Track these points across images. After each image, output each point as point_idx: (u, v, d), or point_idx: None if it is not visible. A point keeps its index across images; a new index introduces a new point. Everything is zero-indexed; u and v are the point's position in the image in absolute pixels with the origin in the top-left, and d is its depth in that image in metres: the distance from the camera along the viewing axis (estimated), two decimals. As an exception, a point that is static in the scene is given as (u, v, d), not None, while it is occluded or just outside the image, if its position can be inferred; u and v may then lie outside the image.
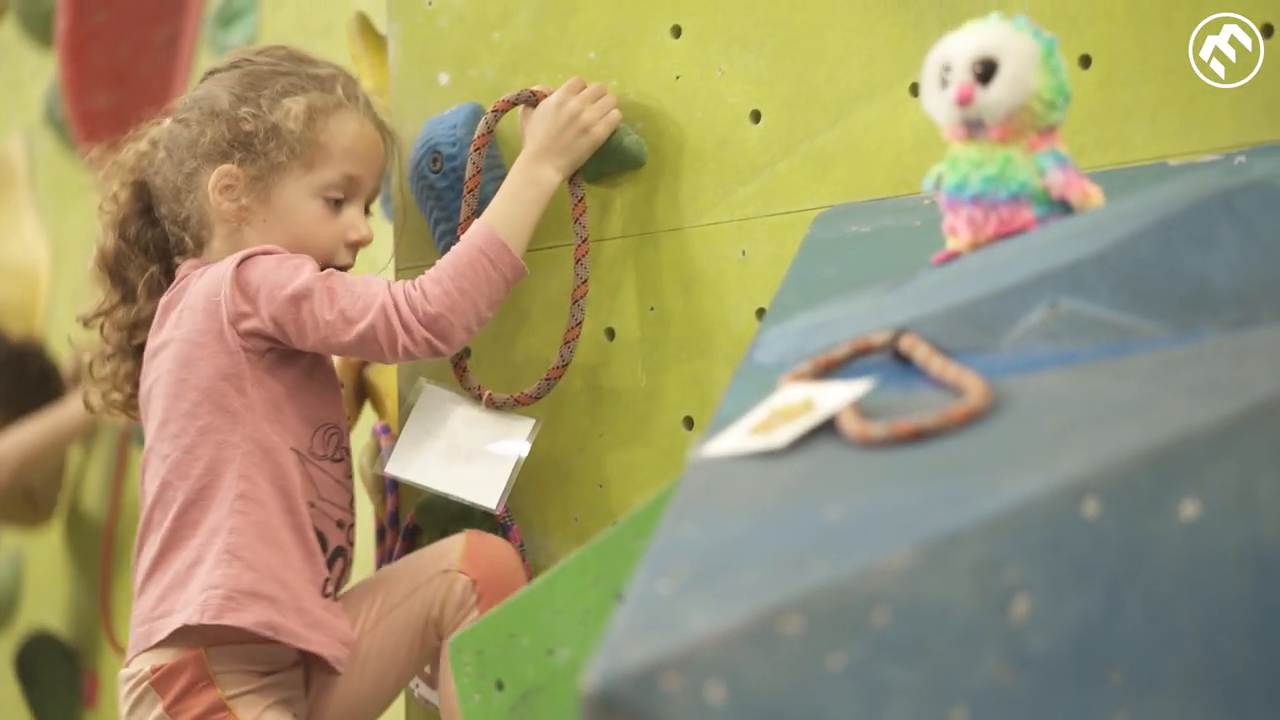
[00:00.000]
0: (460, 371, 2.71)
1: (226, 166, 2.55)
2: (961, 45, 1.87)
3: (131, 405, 2.67)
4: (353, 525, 2.64)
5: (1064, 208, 1.84)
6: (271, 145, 2.55)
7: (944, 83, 1.87)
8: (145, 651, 2.49)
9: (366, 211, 2.65)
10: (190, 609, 2.44)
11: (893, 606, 1.31)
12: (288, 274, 2.48)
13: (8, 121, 4.79)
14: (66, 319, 4.38)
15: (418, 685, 2.76)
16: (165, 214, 2.63)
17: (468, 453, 2.69)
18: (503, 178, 2.64)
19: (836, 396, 1.58)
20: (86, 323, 2.69)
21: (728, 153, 2.57)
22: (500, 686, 2.10)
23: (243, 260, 2.50)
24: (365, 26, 3.41)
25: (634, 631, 1.33)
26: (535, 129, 2.61)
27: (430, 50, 2.82)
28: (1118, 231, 1.65)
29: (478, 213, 2.64)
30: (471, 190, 2.67)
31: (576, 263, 2.65)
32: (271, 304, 2.47)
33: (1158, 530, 1.34)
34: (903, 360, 1.67)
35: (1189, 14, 2.24)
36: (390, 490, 2.89)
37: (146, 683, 2.47)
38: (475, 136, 2.68)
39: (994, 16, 1.88)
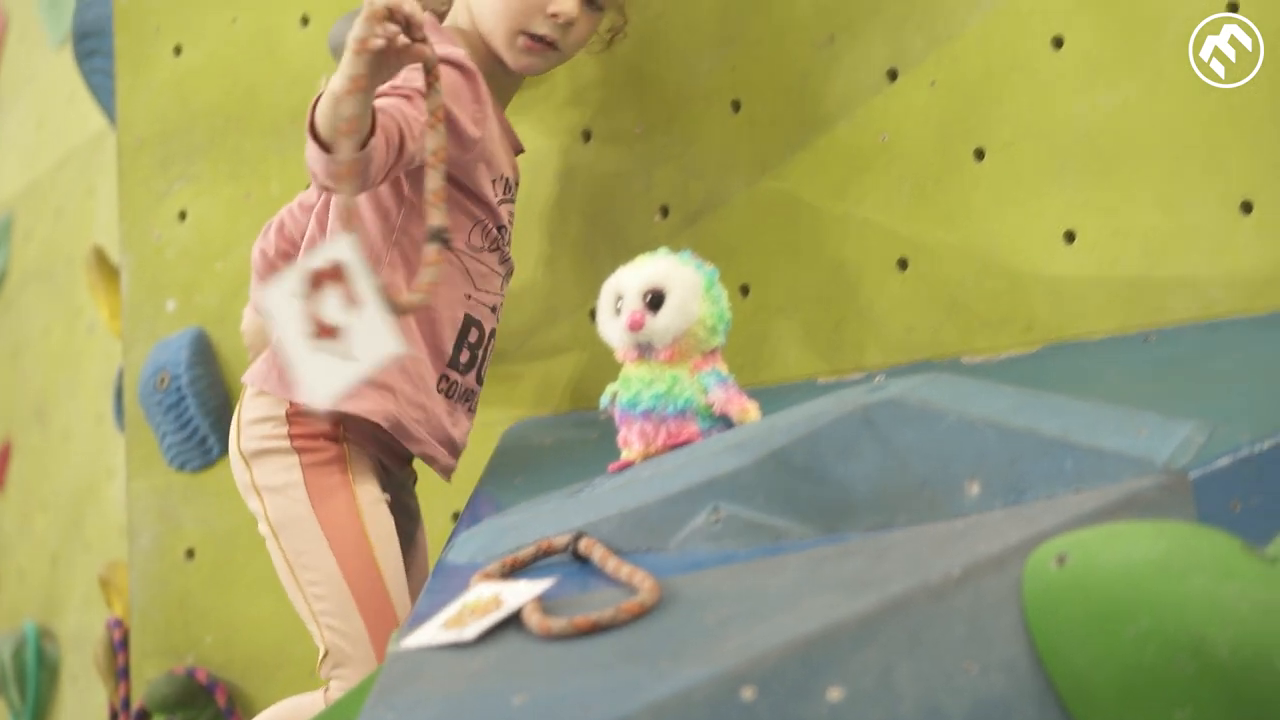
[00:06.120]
0: None
1: None
2: (632, 277, 1.87)
3: None
4: (500, 303, 2.32)
5: (726, 421, 1.85)
6: None
7: (617, 310, 1.87)
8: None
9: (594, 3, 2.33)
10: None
11: (570, 788, 1.29)
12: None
13: None
14: None
15: None
16: None
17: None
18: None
19: (522, 593, 1.56)
20: None
21: (430, 371, 2.54)
22: None
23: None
24: (100, 258, 3.35)
25: (330, 817, 1.30)
26: None
27: (159, 279, 2.76)
28: (772, 443, 1.66)
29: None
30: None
31: None
32: None
33: (807, 714, 1.33)
34: (582, 560, 1.66)
35: (834, 249, 2.27)
36: (122, 677, 2.81)
37: (283, 412, 2.20)
38: None
39: (662, 250, 1.89)
